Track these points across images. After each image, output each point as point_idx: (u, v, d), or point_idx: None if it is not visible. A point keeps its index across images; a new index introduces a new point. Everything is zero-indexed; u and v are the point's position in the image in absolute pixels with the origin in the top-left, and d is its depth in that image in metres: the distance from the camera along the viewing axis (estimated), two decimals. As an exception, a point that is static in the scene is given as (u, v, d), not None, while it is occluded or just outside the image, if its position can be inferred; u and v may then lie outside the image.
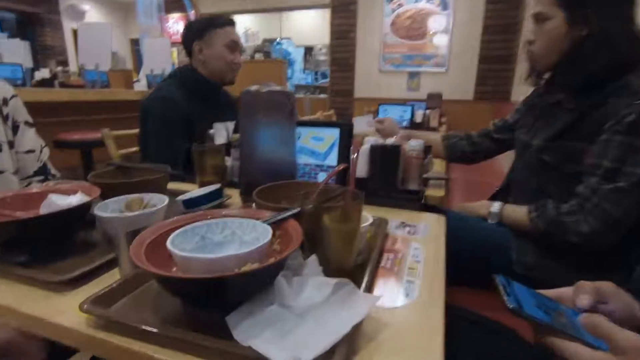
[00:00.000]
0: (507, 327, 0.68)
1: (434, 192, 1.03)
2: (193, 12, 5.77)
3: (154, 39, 4.55)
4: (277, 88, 0.79)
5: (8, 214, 0.56)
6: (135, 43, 8.15)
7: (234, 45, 1.37)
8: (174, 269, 0.41)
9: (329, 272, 0.44)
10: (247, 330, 0.36)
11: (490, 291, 0.95)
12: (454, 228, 0.95)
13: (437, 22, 4.18)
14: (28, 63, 3.58)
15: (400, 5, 4.24)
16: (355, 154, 0.58)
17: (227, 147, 1.03)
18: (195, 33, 1.35)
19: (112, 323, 0.40)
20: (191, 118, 1.30)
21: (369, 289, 0.48)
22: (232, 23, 1.40)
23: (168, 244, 0.40)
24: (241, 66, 1.44)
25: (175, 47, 5.70)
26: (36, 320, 0.43)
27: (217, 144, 0.95)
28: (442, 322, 0.43)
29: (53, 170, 0.99)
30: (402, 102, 2.96)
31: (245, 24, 7.61)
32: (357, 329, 0.38)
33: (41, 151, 0.96)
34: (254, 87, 0.77)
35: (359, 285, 0.45)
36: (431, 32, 4.22)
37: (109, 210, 0.59)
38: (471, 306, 0.89)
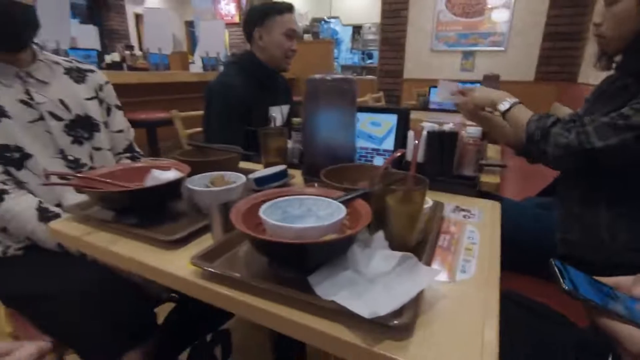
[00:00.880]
0: (557, 312, 0.70)
1: (489, 179, 1.04)
2: (245, -7, 5.86)
3: (208, 21, 4.73)
4: (340, 76, 0.83)
5: (121, 184, 0.68)
6: (189, 25, 8.49)
7: (292, 34, 1.43)
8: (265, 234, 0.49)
9: (393, 248, 0.50)
10: (327, 288, 0.43)
11: (538, 277, 0.97)
12: (507, 213, 0.97)
13: (498, -3, 3.91)
14: (98, 47, 3.92)
15: (457, -20, 4.02)
16: (417, 140, 0.62)
17: (288, 130, 1.10)
18: (256, 20, 1.41)
19: (214, 274, 0.49)
20: (249, 103, 1.38)
21: (428, 264, 0.53)
22: (291, 9, 1.45)
23: (261, 214, 0.48)
24: (296, 53, 1.50)
25: (227, 30, 5.86)
26: (154, 270, 0.54)
27: (280, 127, 1.03)
28: (497, 298, 0.47)
29: (137, 148, 1.13)
30: (455, 84, 2.86)
31: (294, 4, 7.60)
32: (419, 296, 0.44)
33: (128, 131, 1.10)
34: (318, 75, 0.83)
35: (419, 259, 0.51)
36: (490, 7, 3.95)
37: (197, 184, 0.69)
38: (520, 290, 0.91)
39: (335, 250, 0.46)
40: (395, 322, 0.39)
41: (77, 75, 0.97)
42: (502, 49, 3.99)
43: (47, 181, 0.77)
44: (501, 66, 3.89)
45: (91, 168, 0.94)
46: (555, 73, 3.78)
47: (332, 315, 0.42)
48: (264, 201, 0.53)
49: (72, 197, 0.87)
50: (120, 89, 1.10)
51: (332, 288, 0.43)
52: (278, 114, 1.52)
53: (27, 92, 0.85)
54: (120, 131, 1.06)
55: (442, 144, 0.87)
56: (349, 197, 0.53)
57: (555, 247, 0.92)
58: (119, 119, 1.07)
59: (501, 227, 0.69)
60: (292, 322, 0.42)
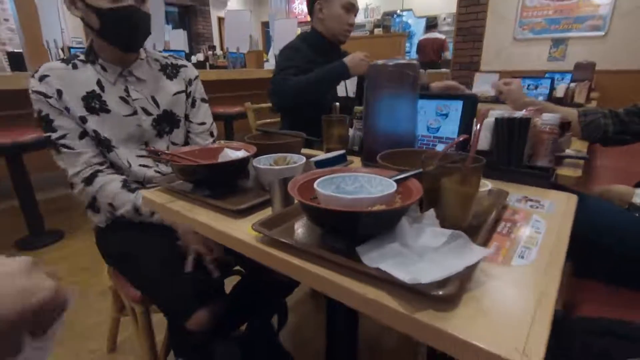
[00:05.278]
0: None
1: (568, 172, 0.94)
2: (317, -9, 5.98)
3: (281, 20, 4.94)
4: (402, 61, 0.83)
5: (198, 161, 0.77)
6: (265, 26, 8.94)
7: (351, 7, 1.48)
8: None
9: (444, 227, 0.50)
10: (374, 258, 0.45)
11: (625, 288, 0.86)
12: (589, 212, 0.87)
13: (599, -26, 3.44)
14: (186, 48, 4.36)
15: (548, -41, 3.62)
16: (478, 125, 0.60)
17: (349, 118, 1.12)
18: None
19: (272, 240, 0.54)
20: (310, 63, 1.45)
21: (482, 246, 0.52)
22: None
23: (315, 185, 0.51)
24: (354, 26, 1.54)
25: (300, 27, 6.05)
26: (221, 234, 0.61)
27: (342, 115, 1.06)
28: (557, 286, 0.44)
29: None
30: (538, 75, 2.60)
31: (366, 0, 7.55)
32: (468, 273, 0.43)
33: (211, 125, 1.19)
34: (380, 61, 0.84)
35: (473, 241, 0.49)
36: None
37: (262, 163, 0.76)
38: (600, 303, 0.82)
39: (383, 221, 0.47)
40: (439, 292, 0.39)
41: (171, 71, 1.10)
42: (601, 33, 3.50)
43: (145, 154, 0.91)
44: (599, 53, 3.42)
45: None
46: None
47: (378, 282, 0.43)
48: (320, 176, 0.57)
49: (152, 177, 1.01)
50: (202, 85, 1.21)
51: (378, 258, 0.45)
52: (342, 85, 1.57)
53: (126, 89, 1.00)
54: (202, 123, 1.15)
55: (511, 131, 0.81)
56: (402, 176, 0.54)
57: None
58: (204, 112, 1.16)
59: (577, 226, 0.63)
60: (337, 285, 0.45)
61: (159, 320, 1.02)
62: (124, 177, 0.98)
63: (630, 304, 0.82)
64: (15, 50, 3.52)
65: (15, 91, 2.19)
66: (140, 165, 1.00)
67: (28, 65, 2.84)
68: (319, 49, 1.52)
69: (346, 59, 1.37)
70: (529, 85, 2.38)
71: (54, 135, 0.92)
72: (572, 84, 2.36)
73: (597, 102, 2.71)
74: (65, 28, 3.49)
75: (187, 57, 4.00)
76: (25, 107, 2.42)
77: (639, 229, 0.84)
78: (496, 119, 0.84)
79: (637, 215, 0.90)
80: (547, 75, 2.83)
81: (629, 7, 3.34)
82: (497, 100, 1.28)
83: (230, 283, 1.03)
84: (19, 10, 2.74)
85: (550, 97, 2.32)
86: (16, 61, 3.16)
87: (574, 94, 2.30)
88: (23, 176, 2.07)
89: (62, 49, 2.82)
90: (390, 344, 1.35)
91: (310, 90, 1.37)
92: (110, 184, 0.94)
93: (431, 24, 5.92)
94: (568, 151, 0.99)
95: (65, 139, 0.92)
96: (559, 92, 2.34)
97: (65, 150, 0.92)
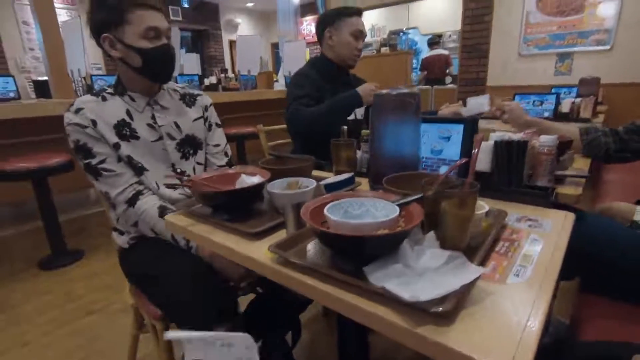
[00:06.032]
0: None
1: (568, 190, 0.98)
2: (325, 13, 6.18)
3: (291, 42, 5.12)
4: (405, 90, 0.89)
5: (217, 187, 0.83)
6: (275, 47, 9.22)
7: (359, 34, 1.57)
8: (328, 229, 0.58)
9: (444, 249, 0.54)
10: (379, 278, 0.49)
11: (630, 303, 0.88)
12: (591, 229, 0.90)
13: (602, -11, 3.50)
14: (199, 72, 4.54)
15: (550, -23, 3.71)
16: (477, 148, 0.65)
17: (357, 141, 1.18)
18: (327, 21, 1.58)
19: (287, 261, 0.59)
20: (320, 91, 1.53)
21: (480, 266, 0.56)
22: (359, 13, 1.60)
23: (325, 211, 0.56)
24: (362, 52, 1.63)
25: (308, 48, 6.22)
26: (240, 255, 0.66)
27: (349, 139, 1.12)
28: (548, 300, 0.48)
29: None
30: (543, 91, 2.64)
31: (372, 20, 7.75)
32: (465, 291, 0.48)
33: (225, 146, 1.28)
34: (384, 91, 0.90)
35: (471, 261, 0.54)
36: (592, 2, 3.55)
37: (276, 188, 0.82)
38: (605, 319, 0.84)
39: (387, 244, 0.52)
40: (437, 309, 0.44)
41: (189, 100, 1.20)
42: (606, 47, 3.54)
43: (168, 182, 0.99)
44: (605, 67, 3.45)
45: None
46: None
47: (383, 300, 0.48)
48: (330, 201, 0.62)
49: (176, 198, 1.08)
50: (215, 107, 1.30)
51: (383, 277, 0.50)
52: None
53: (153, 117, 1.09)
54: (217, 145, 1.26)
55: (510, 153, 0.86)
56: (404, 200, 0.59)
57: None
58: (218, 135, 1.27)
59: (583, 243, 0.66)
60: (347, 303, 0.50)
61: (179, 337, 1.07)
62: (160, 202, 1.05)
63: (636, 319, 0.83)
64: (40, 79, 3.73)
65: (41, 118, 2.33)
66: (166, 186, 1.08)
67: (53, 93, 3.01)
68: (327, 75, 1.60)
69: (359, 89, 1.45)
70: (534, 102, 2.42)
71: (93, 161, 1.00)
72: (578, 99, 2.39)
73: (605, 115, 2.73)
74: (86, 55, 3.70)
75: (200, 80, 4.16)
76: (49, 132, 2.58)
77: (626, 243, 0.86)
78: (495, 141, 0.89)
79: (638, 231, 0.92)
80: (553, 89, 2.87)
81: (634, 19, 3.38)
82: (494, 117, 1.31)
83: (247, 299, 1.08)
84: (45, 40, 2.93)
85: (556, 113, 2.36)
86: (41, 89, 3.34)
87: (579, 109, 2.33)
88: (47, 198, 2.18)
89: (84, 77, 2.99)
90: (402, 361, 1.37)
91: (323, 120, 1.45)
92: (150, 211, 1.02)
93: (434, 41, 6.04)
94: (568, 170, 1.02)
95: (105, 163, 1.01)
96: (565, 107, 2.37)
97: (106, 173, 1.01)
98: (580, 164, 1.27)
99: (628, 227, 0.95)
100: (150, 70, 1.02)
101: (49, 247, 2.25)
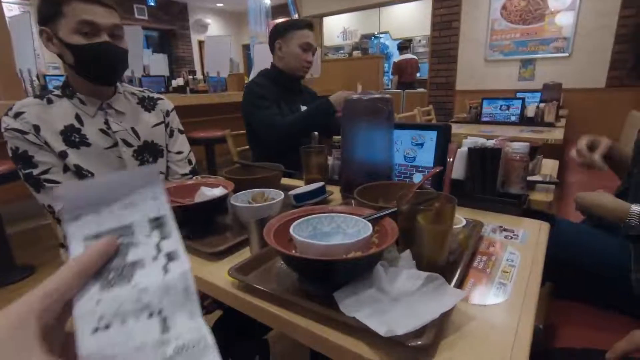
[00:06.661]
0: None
1: (540, 197, 0.97)
2: (297, 15, 6.13)
3: (262, 43, 5.02)
4: (377, 95, 0.85)
5: (174, 200, 0.76)
6: (246, 48, 9.05)
7: (307, 47, 1.56)
8: (293, 250, 0.52)
9: (421, 267, 0.50)
10: (351, 305, 0.44)
11: (601, 308, 0.87)
12: (563, 235, 0.89)
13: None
14: (166, 73, 4.36)
15: (513, -13, 3.85)
16: (452, 158, 0.62)
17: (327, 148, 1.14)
18: (278, 33, 1.57)
19: (247, 286, 0.53)
20: (277, 98, 1.52)
21: (459, 286, 0.52)
22: (310, 27, 1.59)
23: (291, 231, 0.51)
24: (312, 64, 1.63)
25: (280, 50, 6.12)
26: (197, 279, 0.59)
27: (320, 145, 1.07)
28: (532, 325, 0.45)
29: (200, 174, 1.23)
30: (508, 95, 2.71)
31: (343, 23, 7.78)
32: (445, 317, 0.44)
33: (189, 154, 1.19)
34: (355, 96, 0.86)
35: (449, 281, 0.50)
36: (552, 12, 3.71)
37: (239, 201, 0.75)
38: (578, 325, 0.83)
39: (360, 268, 0.47)
40: (416, 342, 0.39)
41: (148, 104, 1.10)
42: (565, 54, 3.71)
43: None
44: (565, 73, 3.61)
45: None
46: (630, 78, 3.42)
47: (355, 331, 0.43)
48: (297, 218, 0.56)
49: None
50: (182, 110, 1.21)
51: (355, 305, 0.44)
52: None
53: (106, 122, 0.98)
54: (179, 152, 1.16)
55: (484, 161, 0.84)
56: (376, 215, 0.55)
57: (615, 272, 0.83)
58: (181, 142, 1.17)
59: (555, 249, 0.64)
60: (316, 336, 0.44)
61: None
62: None
63: (608, 325, 0.83)
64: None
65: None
66: None
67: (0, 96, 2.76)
68: (279, 84, 1.59)
69: (331, 97, 1.44)
70: (501, 106, 2.48)
71: (35, 172, 0.88)
72: (542, 104, 2.47)
73: (567, 120, 2.84)
74: (41, 54, 3.44)
75: (168, 81, 3.99)
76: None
77: (613, 250, 0.86)
78: (469, 149, 0.86)
79: (618, 237, 0.91)
80: (518, 94, 2.97)
81: (589, 28, 3.56)
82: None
83: (212, 319, 1.00)
84: (-10, 38, 2.68)
85: (522, 118, 2.42)
86: (-13, 90, 3.06)
87: (543, 114, 2.40)
88: (-8, 210, 1.99)
89: (38, 77, 2.76)
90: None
91: (298, 130, 1.43)
92: None
93: (404, 45, 6.13)
94: (537, 176, 1.02)
95: (49, 173, 0.89)
96: (530, 112, 2.45)
97: (49, 185, 0.89)
98: (548, 169, 1.29)
99: (600, 232, 0.95)
100: (85, 69, 0.91)
101: (-6, 263, 2.04)
